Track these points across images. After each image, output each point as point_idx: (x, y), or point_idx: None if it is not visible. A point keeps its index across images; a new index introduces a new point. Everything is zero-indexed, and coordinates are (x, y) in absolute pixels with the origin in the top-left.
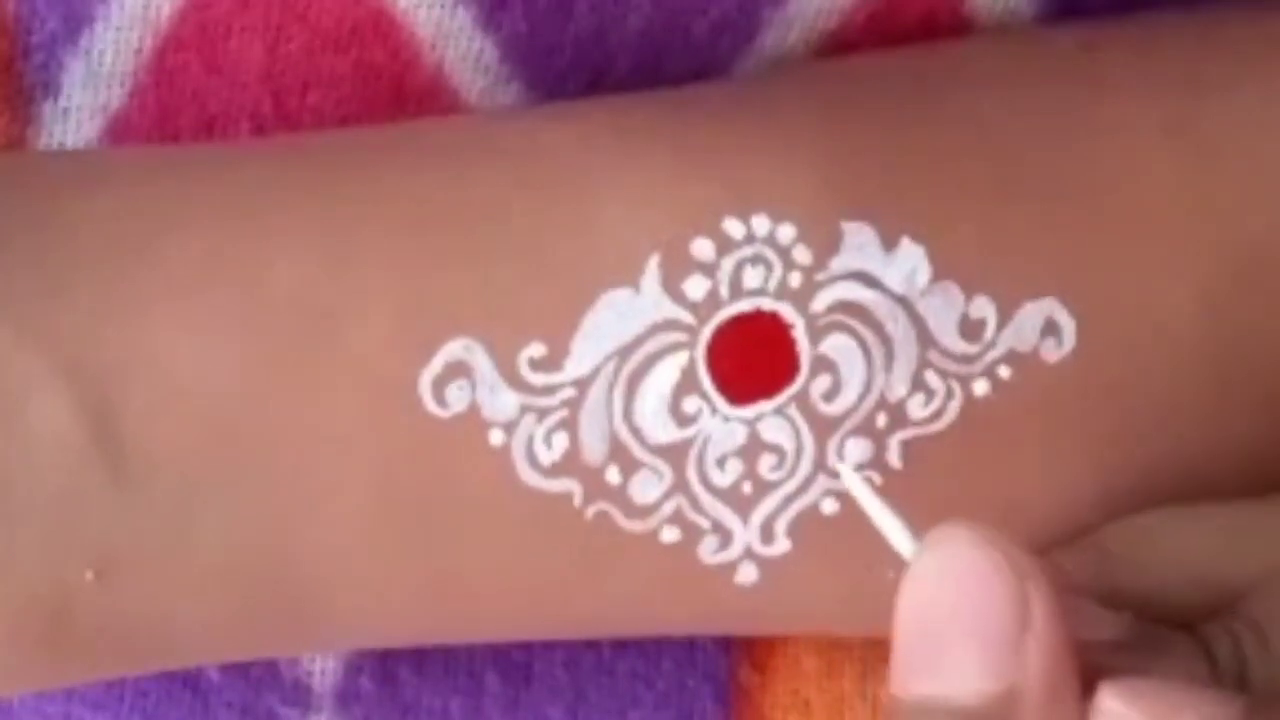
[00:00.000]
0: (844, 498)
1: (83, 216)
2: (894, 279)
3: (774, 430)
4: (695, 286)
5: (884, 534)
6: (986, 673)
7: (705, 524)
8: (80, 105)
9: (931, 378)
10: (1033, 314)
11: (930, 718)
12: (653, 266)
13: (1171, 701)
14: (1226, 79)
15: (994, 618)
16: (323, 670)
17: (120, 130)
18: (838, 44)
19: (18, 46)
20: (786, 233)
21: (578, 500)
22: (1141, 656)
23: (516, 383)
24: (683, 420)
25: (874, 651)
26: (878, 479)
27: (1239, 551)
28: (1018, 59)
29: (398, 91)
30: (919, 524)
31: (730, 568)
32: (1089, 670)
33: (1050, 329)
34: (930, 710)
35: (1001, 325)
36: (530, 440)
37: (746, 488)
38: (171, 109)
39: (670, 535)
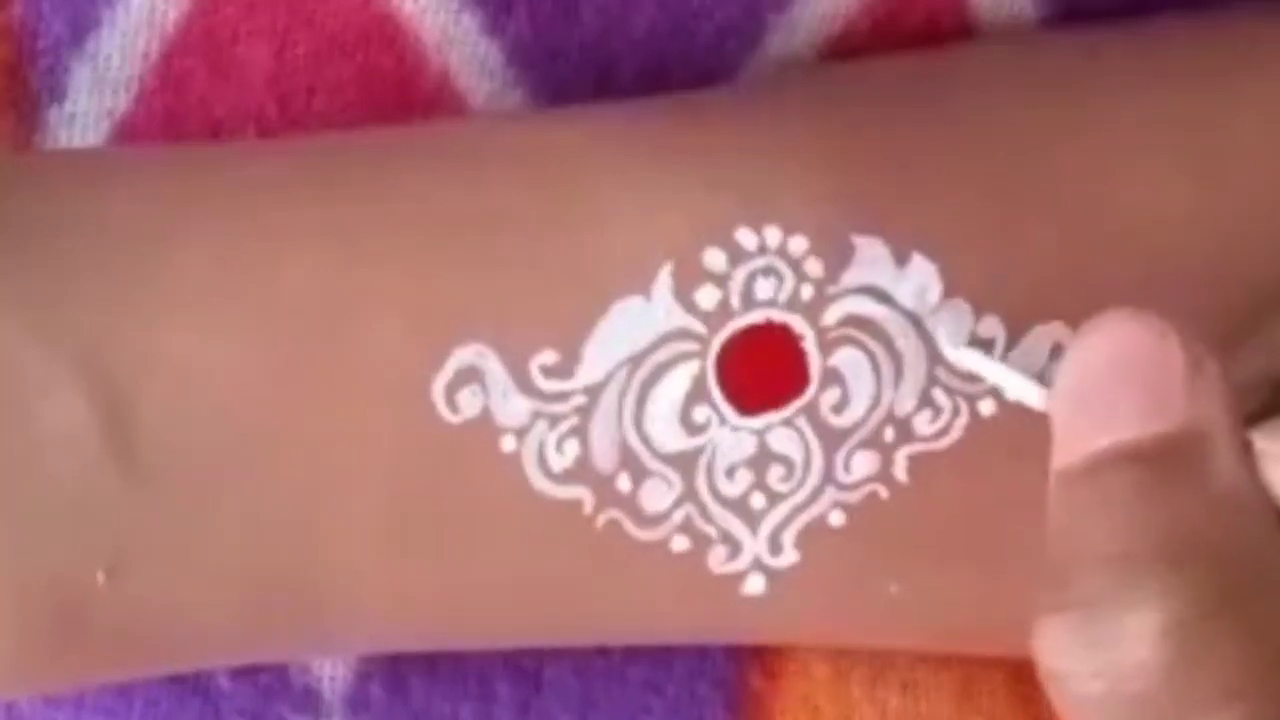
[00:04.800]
0: (851, 509)
1: (96, 218)
2: (905, 294)
3: (783, 441)
4: (707, 296)
5: (1016, 392)
6: (1163, 413)
7: (714, 534)
8: (86, 110)
9: (939, 395)
10: (1041, 337)
11: (1107, 470)
12: (665, 275)
13: None
14: (1235, 79)
15: (1166, 362)
16: (332, 677)
17: (126, 135)
18: (842, 48)
19: (24, 51)
20: (799, 245)
21: (588, 508)
22: None
23: (528, 389)
24: (693, 429)
25: (883, 658)
26: (884, 492)
27: None
28: (1027, 63)
29: (404, 96)
30: (926, 539)
31: (739, 578)
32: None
33: (1058, 354)
34: (1105, 463)
35: (1010, 346)
36: (542, 447)
37: (755, 498)
38: (178, 114)
39: (680, 544)
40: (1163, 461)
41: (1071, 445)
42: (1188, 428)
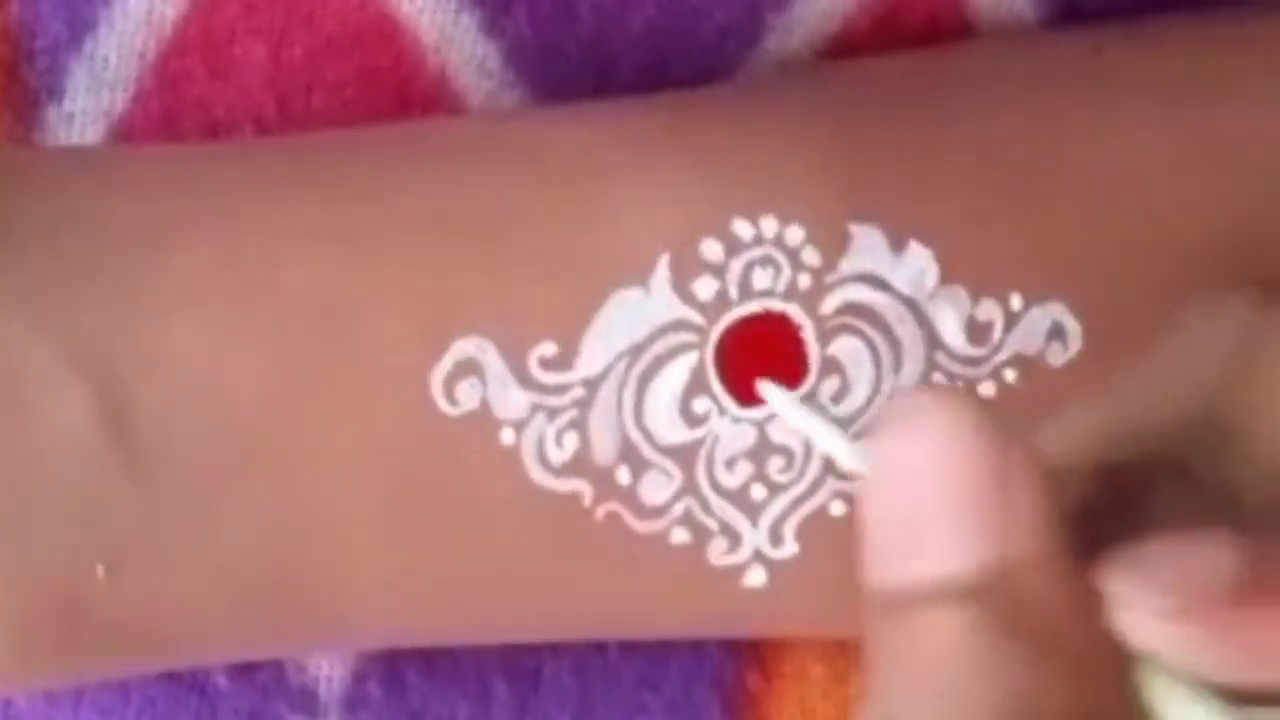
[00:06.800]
0: (852, 500)
1: (97, 216)
2: (902, 281)
3: (783, 431)
4: (705, 287)
5: (826, 450)
6: (972, 544)
7: (714, 526)
8: (84, 110)
9: (939, 380)
10: (1039, 318)
11: (927, 607)
12: (662, 267)
13: (1166, 564)
14: (1234, 78)
15: (972, 483)
16: (329, 677)
17: (124, 135)
18: (841, 47)
19: (22, 51)
20: (795, 234)
21: (588, 500)
22: (1131, 509)
23: (527, 381)
24: (692, 421)
25: None
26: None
27: None
28: (1025, 60)
29: (402, 96)
30: None
31: (739, 570)
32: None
33: (1056, 333)
34: (916, 597)
35: (1008, 328)
36: (541, 439)
37: (755, 489)
38: (175, 114)
39: (680, 537)
40: (973, 605)
41: (884, 565)
42: (1000, 560)
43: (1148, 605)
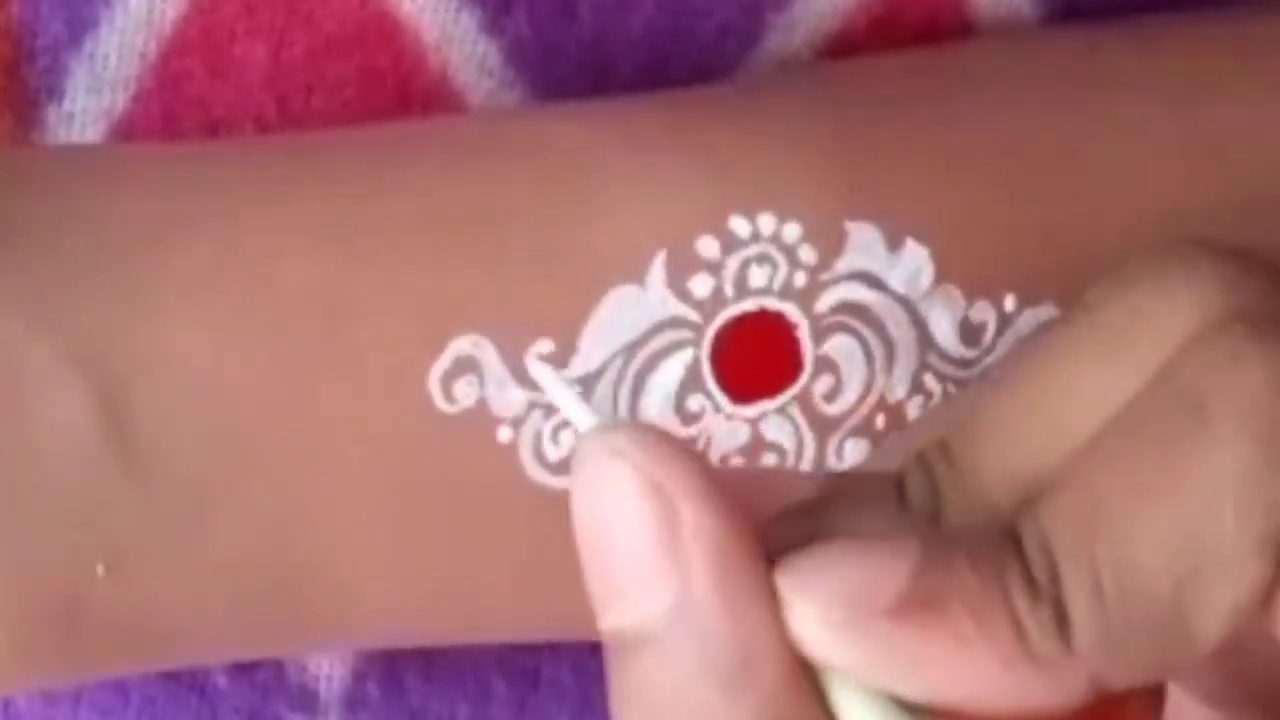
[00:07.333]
0: None
1: (97, 214)
2: (897, 279)
3: (776, 429)
4: (701, 284)
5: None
6: (650, 589)
7: None
8: (84, 109)
9: (930, 381)
10: (1031, 320)
11: (634, 651)
12: (659, 264)
13: (837, 570)
14: (1234, 78)
15: (641, 530)
16: (329, 676)
17: (124, 135)
18: (841, 46)
19: (22, 50)
20: (792, 231)
21: None
22: (831, 513)
23: (524, 379)
24: (687, 419)
25: None
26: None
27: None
28: (1024, 59)
29: (402, 95)
30: None
31: None
32: (781, 546)
33: None
34: (630, 644)
35: (1001, 331)
36: (538, 437)
37: None
38: (175, 113)
39: None
40: (658, 648)
41: (600, 612)
42: (679, 602)
43: (812, 614)
